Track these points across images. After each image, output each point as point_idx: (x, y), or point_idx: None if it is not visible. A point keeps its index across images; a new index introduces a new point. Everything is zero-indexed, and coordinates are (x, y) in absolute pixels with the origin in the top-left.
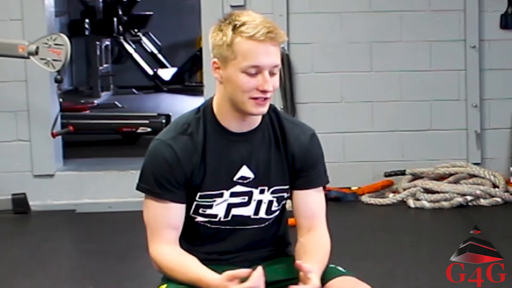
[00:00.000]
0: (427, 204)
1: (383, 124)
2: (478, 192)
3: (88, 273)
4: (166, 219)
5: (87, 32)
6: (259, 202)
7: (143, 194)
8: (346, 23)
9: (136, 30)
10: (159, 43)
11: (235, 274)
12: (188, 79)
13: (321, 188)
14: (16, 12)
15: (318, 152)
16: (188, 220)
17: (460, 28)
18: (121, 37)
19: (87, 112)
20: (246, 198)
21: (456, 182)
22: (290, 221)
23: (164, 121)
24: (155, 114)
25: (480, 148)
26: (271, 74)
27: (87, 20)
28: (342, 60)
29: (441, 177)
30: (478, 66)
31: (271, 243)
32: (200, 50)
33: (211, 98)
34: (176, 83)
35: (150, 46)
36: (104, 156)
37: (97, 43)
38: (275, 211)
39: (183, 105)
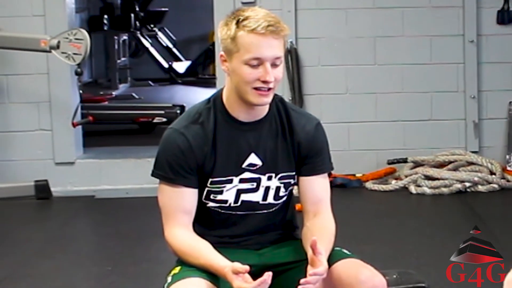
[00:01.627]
0: (428, 190)
1: (386, 114)
2: (476, 179)
3: (106, 256)
4: (179, 203)
5: (105, 28)
6: (267, 188)
7: (158, 180)
8: (351, 19)
9: (152, 26)
10: (174, 38)
11: (237, 270)
12: (201, 72)
13: (326, 174)
14: (38, 8)
15: (323, 140)
16: (201, 205)
17: (459, 23)
18: (138, 32)
19: (106, 103)
20: (255, 184)
21: (455, 169)
22: (297, 206)
23: (178, 111)
24: (170, 105)
25: (478, 137)
26: (274, 65)
27: (105, 16)
28: (347, 54)
29: (441, 165)
30: (476, 60)
31: (279, 227)
32: (213, 44)
33: (221, 89)
34: (190, 75)
35: (165, 41)
36: (121, 145)
37: (115, 37)
38: (283, 196)
39: (196, 96)
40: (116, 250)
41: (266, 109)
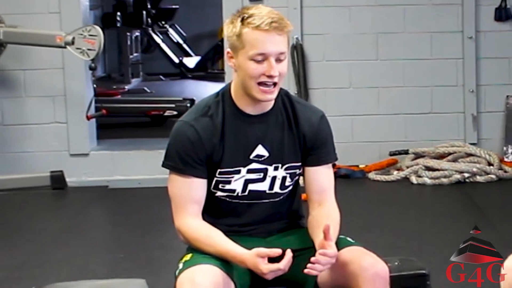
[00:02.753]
0: (428, 181)
1: (388, 108)
2: (474, 169)
3: (119, 243)
4: (189, 193)
5: (118, 24)
6: (274, 178)
7: (168, 171)
8: (355, 15)
9: (163, 22)
10: (184, 34)
11: (267, 253)
12: (210, 67)
13: (330, 165)
14: (54, 5)
15: (327, 132)
16: (210, 195)
17: (458, 20)
18: (150, 29)
19: (119, 96)
20: (262, 174)
21: (454, 160)
22: (303, 196)
23: (188, 105)
24: (181, 98)
25: (476, 130)
26: (278, 60)
27: (118, 13)
28: (350, 49)
29: (441, 156)
30: (474, 55)
31: (285, 216)
32: (222, 40)
33: (229, 84)
34: (200, 70)
35: (176, 37)
36: (134, 137)
37: (128, 34)
38: (289, 186)
39: (206, 90)
40: (129, 238)
41: (272, 102)
